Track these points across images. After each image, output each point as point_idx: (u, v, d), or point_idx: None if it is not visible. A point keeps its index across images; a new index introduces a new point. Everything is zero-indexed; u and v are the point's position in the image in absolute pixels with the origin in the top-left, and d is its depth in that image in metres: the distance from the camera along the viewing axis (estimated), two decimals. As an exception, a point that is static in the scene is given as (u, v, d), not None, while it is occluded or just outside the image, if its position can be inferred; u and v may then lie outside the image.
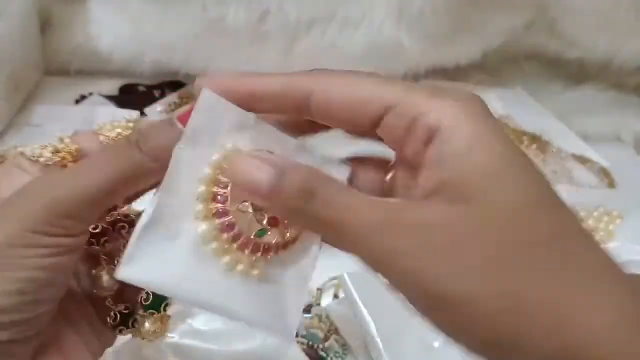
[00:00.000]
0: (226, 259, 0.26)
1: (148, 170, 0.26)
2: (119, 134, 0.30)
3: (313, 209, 0.23)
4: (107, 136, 0.30)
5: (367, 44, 0.65)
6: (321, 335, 0.48)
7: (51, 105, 0.68)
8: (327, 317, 0.49)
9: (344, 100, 0.24)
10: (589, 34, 0.70)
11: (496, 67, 0.74)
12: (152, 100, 0.71)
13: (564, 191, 0.67)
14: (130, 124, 0.32)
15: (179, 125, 0.25)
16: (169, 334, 0.44)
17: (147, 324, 0.31)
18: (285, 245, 0.27)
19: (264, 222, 0.26)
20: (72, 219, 0.25)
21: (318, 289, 0.51)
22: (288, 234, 0.27)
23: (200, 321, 0.46)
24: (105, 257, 0.30)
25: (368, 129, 0.25)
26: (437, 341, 0.46)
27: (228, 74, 0.26)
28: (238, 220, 0.26)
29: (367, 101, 0.24)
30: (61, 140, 0.29)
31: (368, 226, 0.23)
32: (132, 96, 0.71)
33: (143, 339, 0.31)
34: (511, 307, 0.21)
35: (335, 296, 0.51)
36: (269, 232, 0.26)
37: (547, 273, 0.21)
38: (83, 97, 0.70)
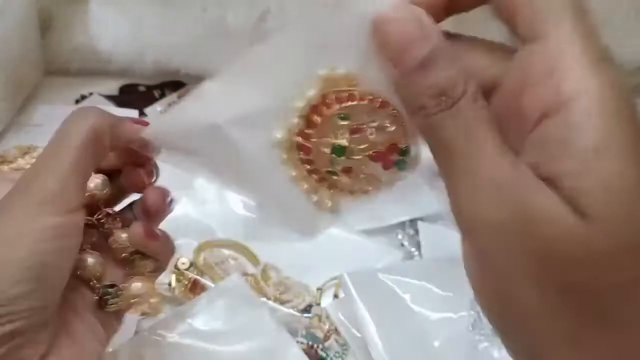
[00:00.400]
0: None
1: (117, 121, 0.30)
2: None
3: (439, 123, 0.20)
4: None
5: (367, 44, 0.65)
6: (321, 335, 0.48)
7: (51, 105, 0.68)
8: (327, 317, 0.49)
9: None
10: (589, 34, 0.70)
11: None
12: (152, 100, 0.71)
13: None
14: None
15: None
16: (169, 334, 0.44)
17: (134, 285, 0.32)
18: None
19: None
20: (70, 193, 0.28)
21: (318, 289, 0.51)
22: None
23: (200, 321, 0.46)
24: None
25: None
26: (437, 341, 0.46)
27: None
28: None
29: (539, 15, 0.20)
30: None
31: (486, 185, 0.20)
32: (132, 96, 0.71)
33: (142, 315, 0.33)
34: None
35: (335, 296, 0.51)
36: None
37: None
38: (83, 97, 0.70)
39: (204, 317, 0.46)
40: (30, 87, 0.69)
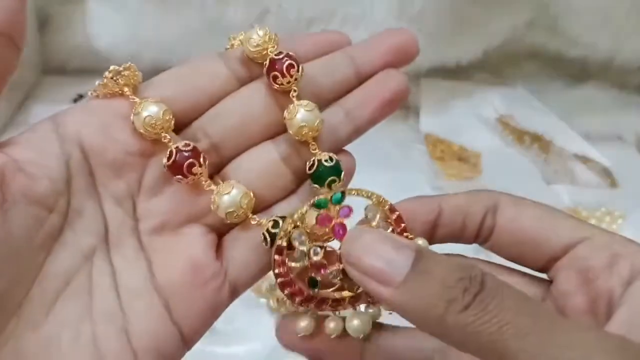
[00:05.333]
0: None
1: None
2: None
3: (485, 309, 0.18)
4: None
5: (368, 43, 0.65)
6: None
7: (49, 104, 0.68)
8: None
9: (533, 221, 0.23)
10: (590, 32, 0.69)
11: (497, 66, 0.74)
12: (150, 99, 0.70)
13: (565, 191, 0.66)
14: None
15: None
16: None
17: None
18: None
19: None
20: None
21: (318, 290, 0.51)
22: None
23: (200, 322, 0.45)
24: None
25: (543, 262, 0.23)
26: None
27: (410, 201, 0.25)
28: None
29: (559, 229, 0.22)
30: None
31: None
32: (130, 95, 0.71)
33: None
34: None
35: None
36: None
37: None
38: (81, 96, 0.70)
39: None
40: (27, 86, 0.69)
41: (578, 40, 0.70)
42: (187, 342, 0.24)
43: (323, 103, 0.26)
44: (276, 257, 0.24)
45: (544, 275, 0.25)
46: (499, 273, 0.24)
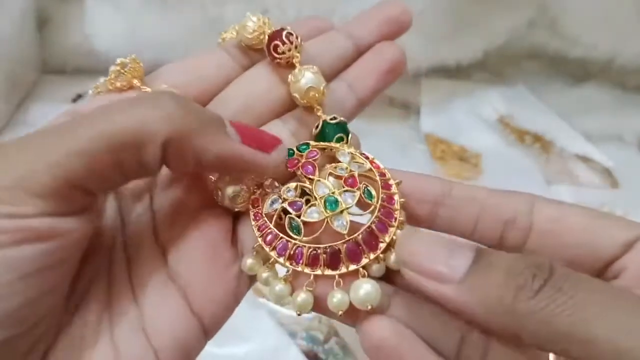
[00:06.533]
0: None
1: (187, 149, 0.20)
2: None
3: (553, 298, 0.17)
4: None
5: (367, 42, 0.65)
6: (321, 337, 0.48)
7: (48, 104, 0.68)
8: (328, 318, 0.49)
9: (580, 224, 0.21)
10: (590, 32, 0.69)
11: (498, 66, 0.74)
12: (150, 99, 0.70)
13: (566, 191, 0.66)
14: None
15: (233, 134, 0.22)
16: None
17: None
18: None
19: None
20: (44, 198, 0.18)
21: (318, 290, 0.51)
22: None
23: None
24: None
25: (600, 265, 0.21)
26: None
27: (420, 176, 0.24)
28: None
29: (611, 229, 0.21)
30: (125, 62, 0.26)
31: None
32: (129, 95, 0.71)
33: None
34: None
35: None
36: None
37: None
38: (80, 96, 0.70)
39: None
40: (27, 86, 0.69)
41: (578, 40, 0.70)
42: (207, 333, 0.24)
43: (325, 79, 0.26)
44: (251, 206, 0.24)
45: None
46: None
